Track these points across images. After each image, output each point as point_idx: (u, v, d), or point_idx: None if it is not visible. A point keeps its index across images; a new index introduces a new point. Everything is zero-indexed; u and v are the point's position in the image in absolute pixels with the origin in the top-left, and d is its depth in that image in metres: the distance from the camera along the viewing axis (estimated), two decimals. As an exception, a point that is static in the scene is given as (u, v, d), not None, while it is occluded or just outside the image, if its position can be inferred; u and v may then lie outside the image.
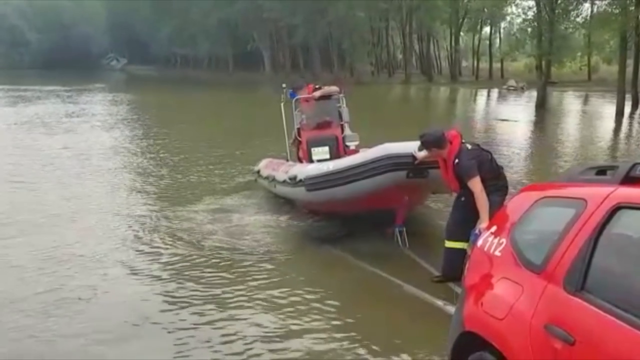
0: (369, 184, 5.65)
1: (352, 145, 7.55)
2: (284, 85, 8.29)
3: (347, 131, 7.78)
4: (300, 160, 7.75)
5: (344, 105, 7.91)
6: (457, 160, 4.77)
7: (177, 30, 49.68)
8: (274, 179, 7.34)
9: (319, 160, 7.22)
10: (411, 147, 5.41)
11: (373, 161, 5.62)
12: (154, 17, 50.92)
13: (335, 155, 7.46)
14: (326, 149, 7.59)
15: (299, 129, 7.82)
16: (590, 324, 2.01)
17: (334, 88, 8.06)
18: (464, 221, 4.75)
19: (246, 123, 17.56)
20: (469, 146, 4.91)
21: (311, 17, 39.10)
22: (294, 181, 6.60)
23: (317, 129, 7.80)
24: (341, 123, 7.82)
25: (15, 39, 65.68)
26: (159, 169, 10.81)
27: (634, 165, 2.21)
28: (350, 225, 6.36)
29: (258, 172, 8.30)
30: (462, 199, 4.87)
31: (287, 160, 7.95)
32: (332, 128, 7.80)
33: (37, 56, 64.57)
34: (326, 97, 7.89)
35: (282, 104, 8.11)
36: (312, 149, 7.60)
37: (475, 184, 4.66)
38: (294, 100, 7.89)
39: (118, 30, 61.66)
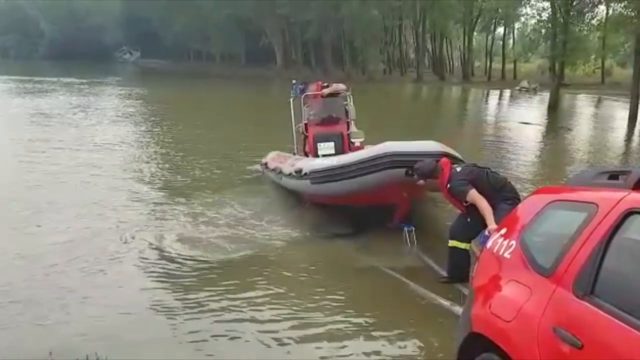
0: (369, 180, 5.85)
1: (356, 142, 7.77)
2: (293, 81, 8.47)
3: (353, 128, 8.01)
4: (306, 155, 7.95)
5: (351, 103, 8.13)
6: (449, 185, 5.00)
7: (190, 25, 49.90)
8: (280, 172, 7.46)
9: (324, 155, 7.45)
10: (411, 146, 5.74)
11: (374, 158, 5.85)
12: (167, 11, 51.05)
13: (340, 150, 7.68)
14: (332, 144, 7.81)
15: (306, 124, 8.00)
16: (598, 329, 2.00)
17: (342, 86, 8.32)
18: (468, 225, 4.85)
19: (252, 118, 17.58)
20: (458, 168, 5.11)
21: (324, 14, 39.08)
22: (299, 174, 6.73)
23: (324, 125, 8.02)
24: (347, 120, 8.03)
25: (29, 29, 66.02)
26: (165, 161, 10.82)
27: (647, 170, 2.20)
28: (357, 223, 6.37)
29: (265, 164, 8.40)
30: (468, 219, 4.89)
31: (294, 154, 8.10)
32: (338, 125, 8.02)
33: (51, 47, 64.77)
34: (334, 94, 8.13)
35: (291, 100, 8.27)
36: (318, 144, 7.83)
37: (473, 197, 4.78)
38: (302, 97, 8.07)
39: (132, 24, 61.64)
